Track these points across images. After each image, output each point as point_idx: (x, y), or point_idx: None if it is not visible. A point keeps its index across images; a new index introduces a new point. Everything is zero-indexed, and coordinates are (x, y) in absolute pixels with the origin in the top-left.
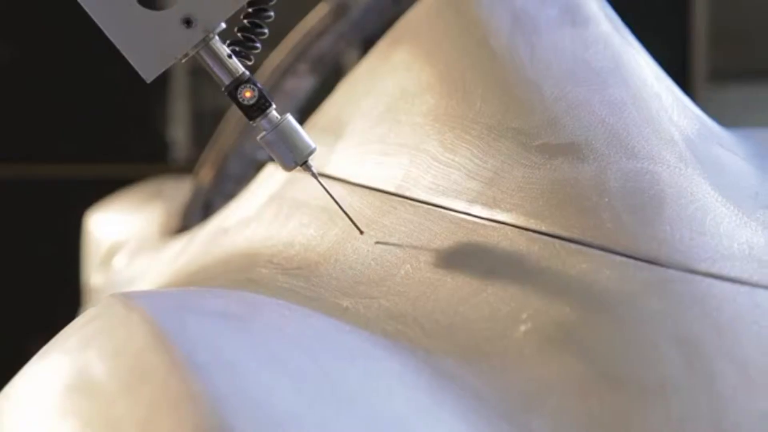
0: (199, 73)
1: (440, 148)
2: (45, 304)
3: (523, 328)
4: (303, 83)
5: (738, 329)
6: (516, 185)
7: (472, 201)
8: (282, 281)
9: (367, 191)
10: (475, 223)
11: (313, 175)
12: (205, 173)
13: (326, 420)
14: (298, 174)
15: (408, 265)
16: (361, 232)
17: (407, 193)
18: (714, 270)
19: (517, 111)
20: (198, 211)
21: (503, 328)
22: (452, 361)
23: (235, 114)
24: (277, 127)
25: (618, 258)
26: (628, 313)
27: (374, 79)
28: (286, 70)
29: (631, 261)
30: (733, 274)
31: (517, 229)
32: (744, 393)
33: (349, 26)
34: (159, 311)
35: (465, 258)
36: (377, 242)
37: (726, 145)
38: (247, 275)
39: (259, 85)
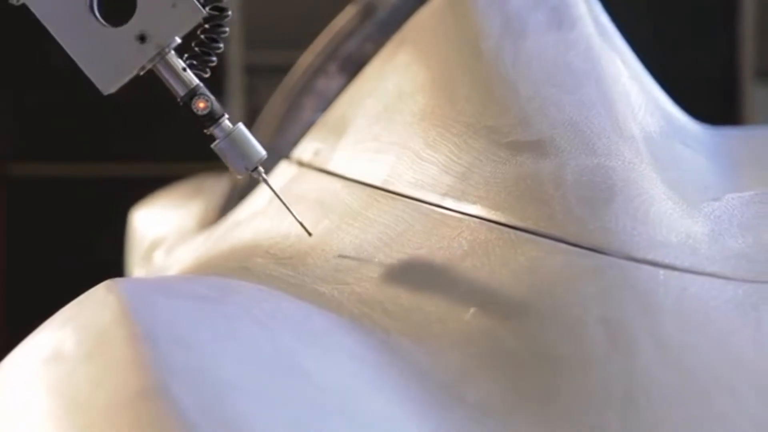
0: (254, 70)
1: (423, 146)
2: None
3: (472, 310)
4: (333, 83)
5: (662, 310)
6: (484, 180)
7: (445, 194)
8: (272, 270)
9: (357, 185)
10: (444, 214)
11: (264, 180)
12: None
13: (265, 389)
14: (301, 171)
15: (382, 254)
16: (310, 234)
17: (391, 188)
18: (650, 257)
19: (493, 110)
20: (234, 206)
21: (454, 311)
22: (405, 341)
23: (269, 112)
24: (229, 136)
25: (564, 246)
26: (566, 296)
27: (378, 79)
28: (317, 70)
29: (576, 249)
30: (667, 260)
31: (478, 220)
32: (658, 366)
33: (376, 27)
34: (134, 293)
35: (431, 247)
36: (359, 233)
37: (689, 143)
38: (243, 264)
39: (211, 96)
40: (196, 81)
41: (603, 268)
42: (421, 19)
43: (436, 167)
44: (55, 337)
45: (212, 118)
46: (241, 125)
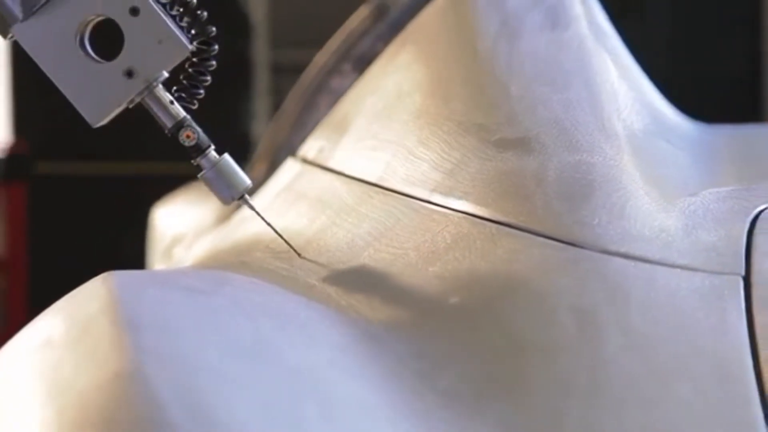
0: (279, 69)
1: (417, 143)
2: None
3: (452, 301)
4: (347, 82)
5: (631, 300)
6: (471, 176)
7: (433, 190)
8: (269, 263)
9: (354, 182)
10: (431, 209)
11: (251, 207)
12: (259, 167)
13: (237, 374)
14: (305, 168)
15: (371, 248)
16: (300, 255)
17: (385, 184)
18: (623, 250)
19: (484, 108)
20: None
21: (435, 302)
22: (386, 330)
23: (286, 110)
24: (216, 166)
25: (542, 239)
26: (539, 287)
27: (381, 78)
28: (332, 70)
29: (552, 242)
30: (638, 253)
31: (462, 215)
32: (622, 353)
33: (388, 27)
34: (125, 284)
35: (417, 240)
36: (352, 228)
37: (672, 140)
38: (242, 258)
39: (198, 129)
40: (183, 113)
41: (577, 261)
42: (423, 19)
43: (427, 164)
44: (48, 325)
45: (199, 149)
46: (227, 156)
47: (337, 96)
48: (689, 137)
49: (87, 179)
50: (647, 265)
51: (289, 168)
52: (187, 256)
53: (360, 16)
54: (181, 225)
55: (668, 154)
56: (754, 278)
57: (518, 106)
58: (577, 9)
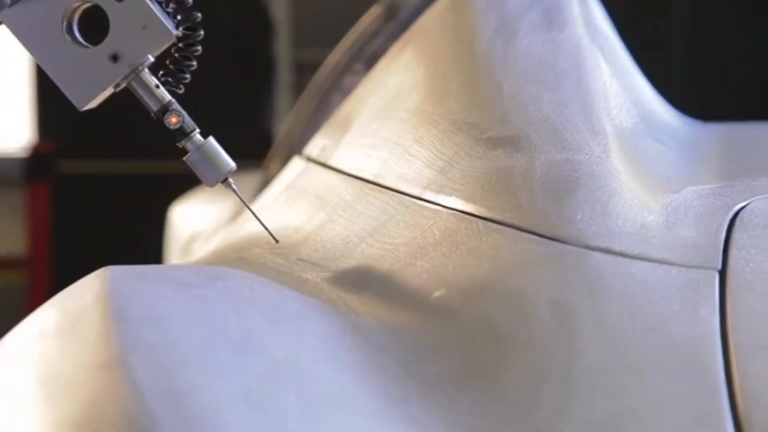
0: (302, 68)
1: (412, 141)
2: None
3: (436, 294)
4: (358, 81)
5: (608, 294)
6: (461, 173)
7: (425, 187)
8: (267, 259)
9: (351, 179)
10: (422, 206)
11: (233, 191)
12: (274, 165)
13: (220, 364)
14: (308, 166)
15: (364, 244)
16: (277, 241)
17: (380, 181)
18: (604, 245)
19: (477, 107)
20: None
21: (421, 296)
22: (373, 322)
23: (299, 109)
24: (200, 149)
25: (525, 235)
26: (521, 280)
27: (383, 77)
28: (344, 69)
29: (536, 237)
30: (619, 248)
31: (451, 211)
32: (596, 344)
33: (398, 26)
34: (118, 278)
35: (408, 236)
36: (347, 224)
37: (661, 138)
38: (241, 254)
39: (183, 112)
40: (168, 97)
41: (559, 255)
42: (425, 19)
43: (421, 162)
44: (44, 316)
45: (184, 133)
46: (211, 139)
47: (349, 95)
48: (679, 135)
49: (109, 178)
50: (626, 260)
51: (295, 166)
52: (202, 252)
53: (372, 16)
54: (199, 222)
55: (655, 152)
56: (730, 272)
57: (510, 105)
58: (574, 9)
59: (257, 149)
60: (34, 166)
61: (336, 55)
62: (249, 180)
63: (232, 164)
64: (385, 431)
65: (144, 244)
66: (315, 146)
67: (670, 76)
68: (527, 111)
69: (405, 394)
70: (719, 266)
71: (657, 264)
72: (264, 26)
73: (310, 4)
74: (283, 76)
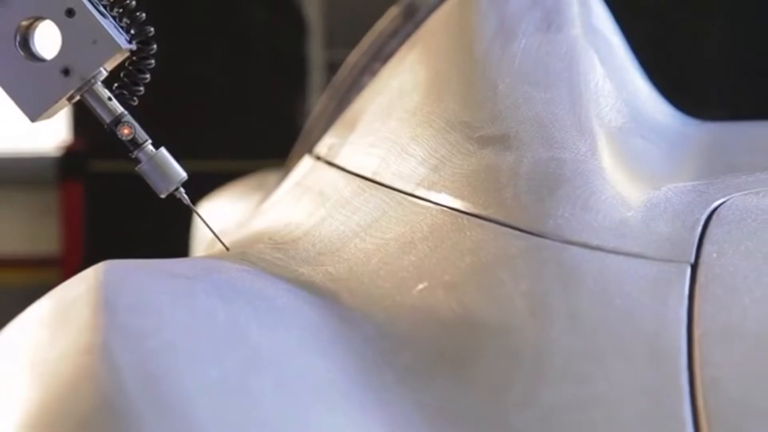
0: (334, 68)
1: (409, 140)
2: None
3: (420, 286)
4: None
5: (582, 286)
6: (452, 171)
7: (418, 184)
8: (267, 254)
9: (351, 177)
10: (413, 202)
11: (184, 200)
12: (293, 163)
13: (200, 351)
14: (316, 164)
15: (358, 239)
16: (227, 249)
17: (378, 179)
18: (582, 240)
19: (471, 106)
20: None
21: (406, 288)
22: (359, 313)
23: (320, 108)
24: (151, 159)
25: (507, 229)
26: (500, 273)
27: (389, 77)
28: (364, 69)
29: (516, 232)
30: (595, 243)
31: (440, 207)
32: (567, 335)
33: (416, 27)
34: (113, 271)
35: (398, 231)
36: (344, 219)
37: (649, 137)
38: (243, 249)
39: (135, 123)
40: (120, 109)
41: (538, 249)
42: (432, 20)
43: (416, 160)
44: (42, 306)
45: (136, 143)
46: (163, 150)
47: (359, 95)
48: (669, 134)
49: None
50: (602, 254)
51: (304, 164)
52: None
53: (390, 16)
54: (225, 220)
55: (642, 151)
56: (701, 266)
57: (503, 105)
58: (574, 10)
59: (290, 149)
60: (67, 165)
61: (355, 56)
62: (275, 178)
63: (183, 174)
64: (360, 415)
65: (174, 242)
66: (324, 145)
67: (700, 70)
68: (519, 110)
69: (383, 381)
70: (692, 260)
71: (632, 258)
72: (297, 27)
73: (342, 4)
74: (316, 76)
